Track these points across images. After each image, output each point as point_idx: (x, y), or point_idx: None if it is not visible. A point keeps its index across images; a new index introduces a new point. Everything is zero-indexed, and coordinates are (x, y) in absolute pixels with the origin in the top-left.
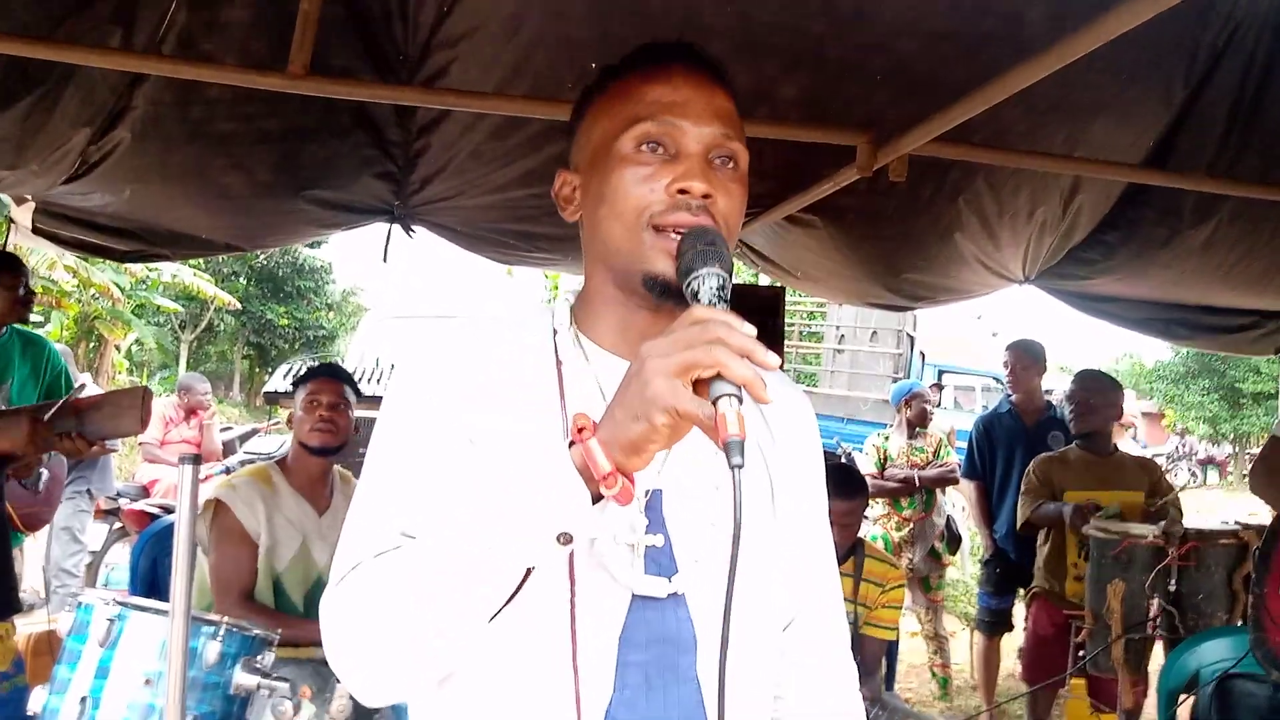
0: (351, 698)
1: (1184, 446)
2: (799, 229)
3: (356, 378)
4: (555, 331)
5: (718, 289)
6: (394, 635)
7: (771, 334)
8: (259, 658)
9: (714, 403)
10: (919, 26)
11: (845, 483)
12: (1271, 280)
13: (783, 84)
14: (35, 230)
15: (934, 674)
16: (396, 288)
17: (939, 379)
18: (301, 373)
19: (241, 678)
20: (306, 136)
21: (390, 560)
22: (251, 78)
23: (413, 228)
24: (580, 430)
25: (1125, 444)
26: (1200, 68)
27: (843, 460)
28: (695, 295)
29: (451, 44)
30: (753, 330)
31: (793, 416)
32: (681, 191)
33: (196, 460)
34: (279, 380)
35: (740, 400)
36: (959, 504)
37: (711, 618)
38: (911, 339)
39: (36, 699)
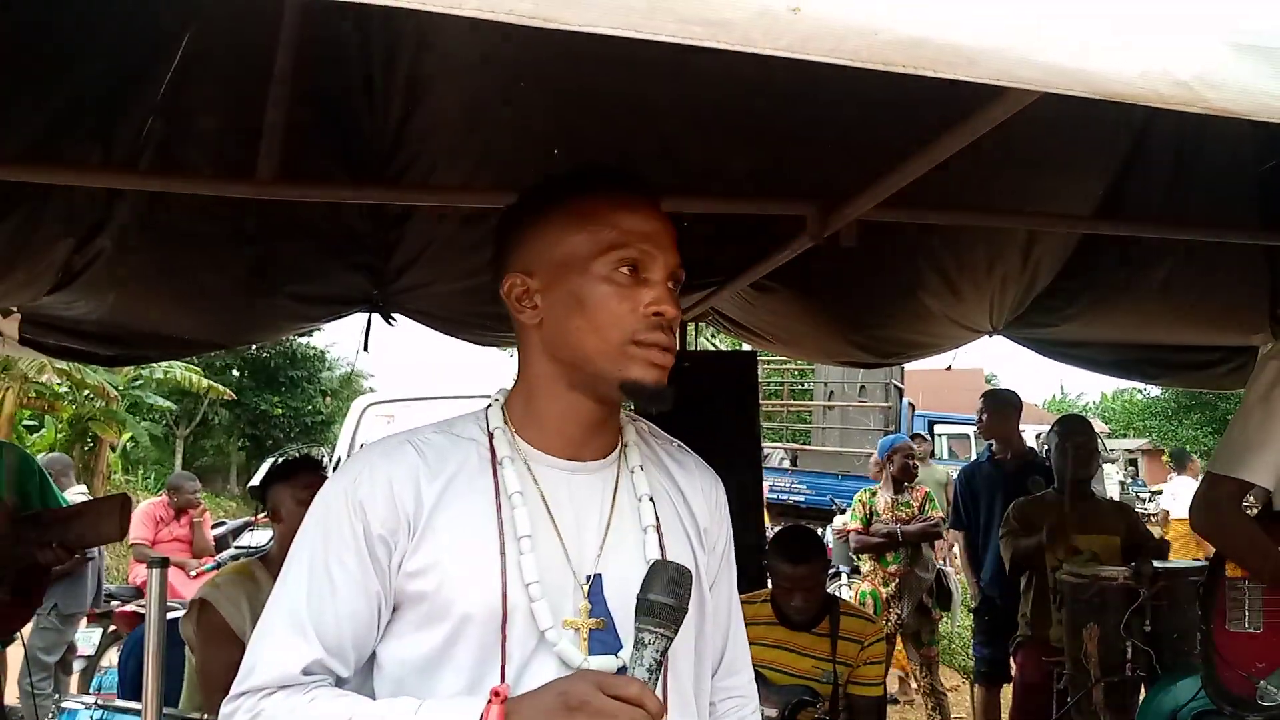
0: None
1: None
2: (764, 294)
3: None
4: (491, 434)
5: (658, 657)
6: None
7: (746, 398)
8: None
9: None
10: (859, 95)
11: (799, 548)
12: (1232, 317)
13: (734, 158)
14: (22, 341)
15: None
16: (396, 372)
17: (929, 429)
18: (279, 467)
19: None
20: (282, 233)
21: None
22: (223, 186)
23: (392, 316)
24: None
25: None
26: (1140, 115)
27: (837, 515)
28: (639, 644)
29: (418, 139)
30: (664, 712)
31: (704, 491)
32: (657, 314)
33: (164, 563)
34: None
35: None
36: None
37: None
38: (900, 390)
39: None
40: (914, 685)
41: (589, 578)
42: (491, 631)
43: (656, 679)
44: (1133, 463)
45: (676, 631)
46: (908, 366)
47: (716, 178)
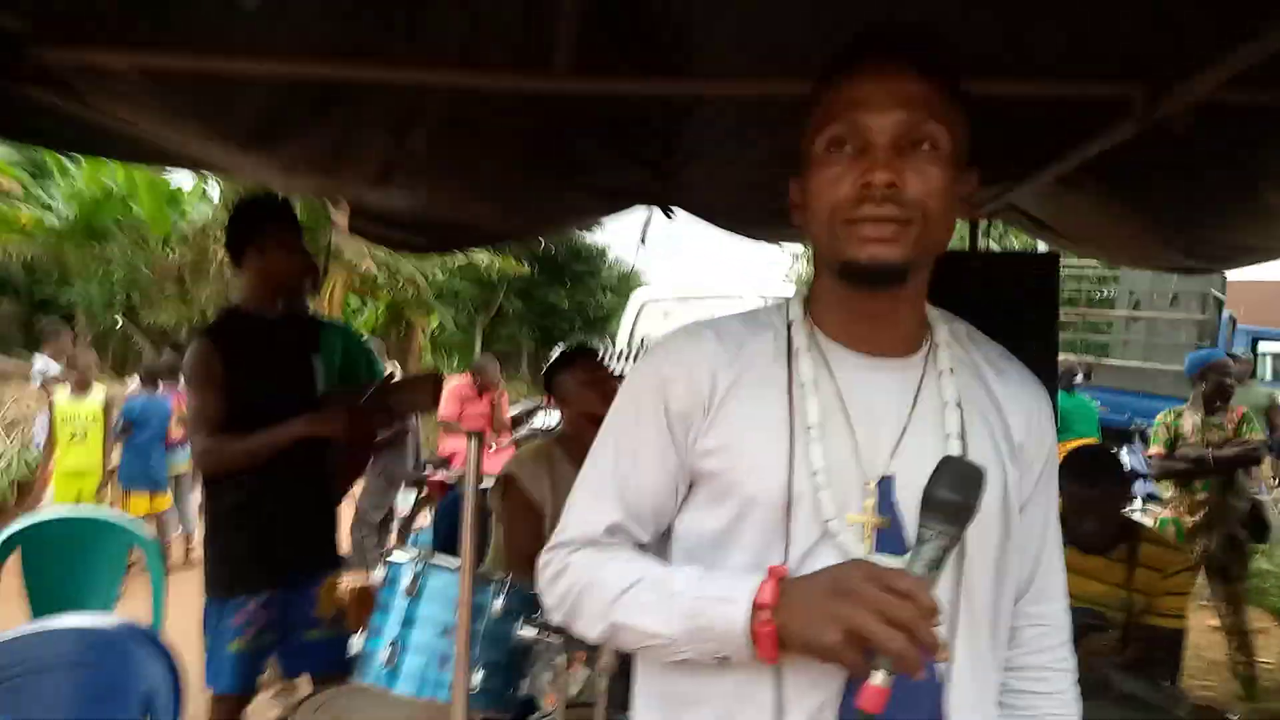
0: (617, 653)
1: None
2: (1071, 189)
3: (622, 356)
4: (790, 324)
5: (938, 555)
6: (602, 636)
7: (1045, 306)
8: (538, 614)
9: (871, 667)
10: None
11: (1093, 468)
12: None
13: (1041, 31)
14: (350, 229)
15: (1236, 672)
16: (668, 269)
17: (1253, 346)
18: (562, 357)
19: (523, 631)
20: (574, 127)
21: (600, 577)
22: (521, 80)
23: (671, 209)
24: (760, 608)
25: None
26: None
27: (1137, 437)
28: (920, 539)
29: (706, 23)
30: (937, 611)
31: (1025, 404)
32: (866, 184)
33: (480, 436)
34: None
35: (892, 674)
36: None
37: (943, 593)
38: (1220, 301)
39: (356, 643)
40: (1216, 623)
41: (881, 477)
42: (775, 516)
43: (935, 578)
44: None
45: (961, 531)
46: (1231, 275)
47: (1025, 54)
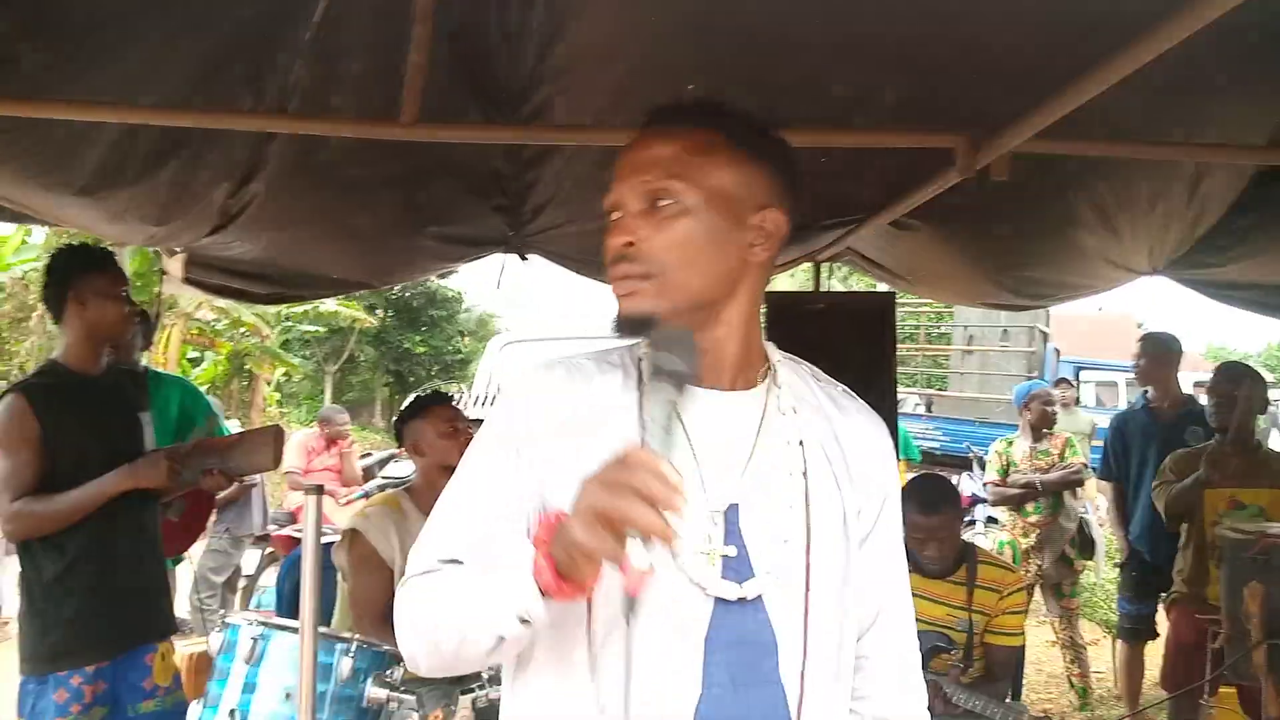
0: (472, 707)
1: None
2: (905, 232)
3: (481, 401)
4: (640, 360)
5: (665, 420)
6: (430, 650)
7: (882, 342)
8: (389, 672)
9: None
10: (1020, 19)
11: (932, 497)
12: None
13: (879, 90)
14: (186, 280)
15: (1072, 683)
16: (526, 313)
17: (1076, 376)
18: (415, 405)
19: (373, 691)
20: (425, 176)
21: (427, 593)
22: (368, 129)
23: (526, 255)
24: (540, 542)
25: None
26: None
27: (975, 464)
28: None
29: (554, 78)
30: (676, 477)
31: (866, 441)
32: (611, 248)
33: (319, 490)
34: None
35: (647, 547)
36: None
37: (789, 624)
38: (1045, 335)
39: (193, 713)
40: (1053, 638)
41: (728, 506)
42: None
43: (670, 440)
44: None
45: (677, 390)
46: (1054, 310)
47: (861, 109)
